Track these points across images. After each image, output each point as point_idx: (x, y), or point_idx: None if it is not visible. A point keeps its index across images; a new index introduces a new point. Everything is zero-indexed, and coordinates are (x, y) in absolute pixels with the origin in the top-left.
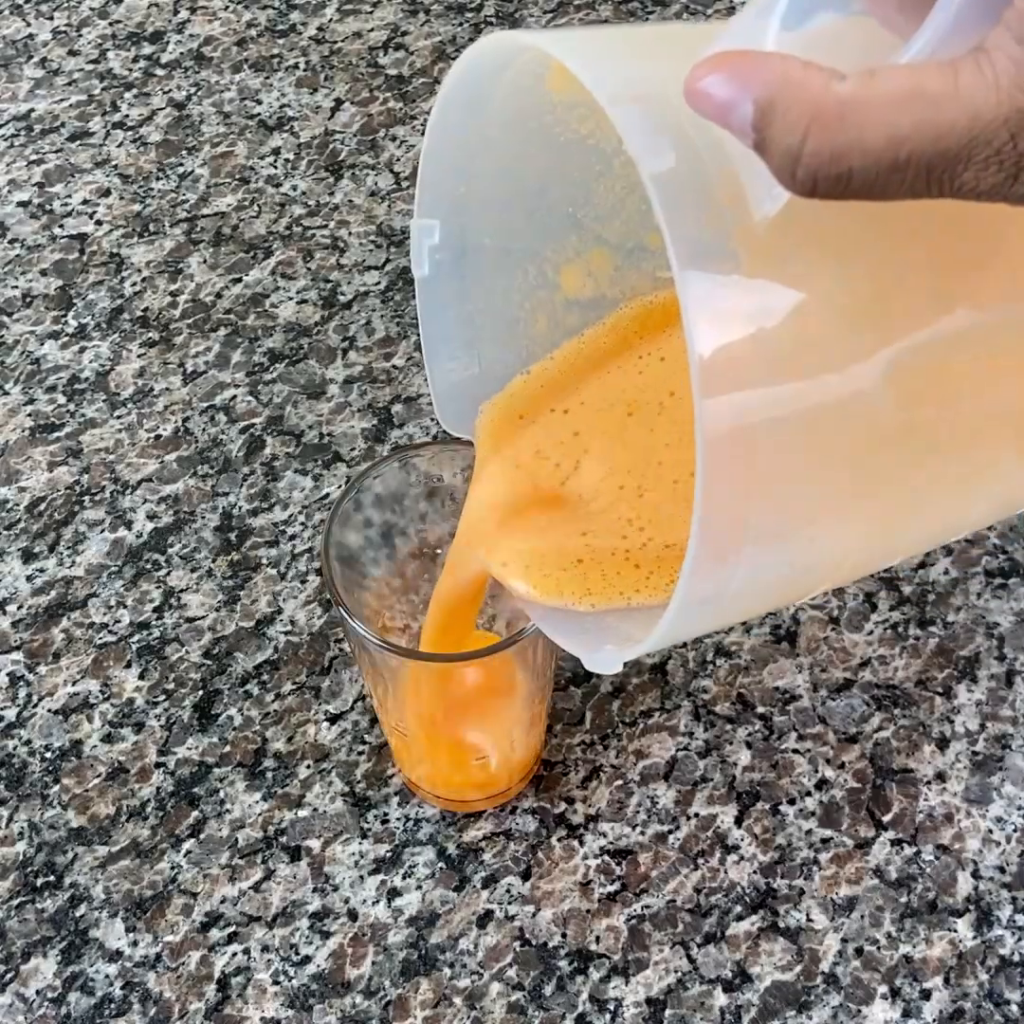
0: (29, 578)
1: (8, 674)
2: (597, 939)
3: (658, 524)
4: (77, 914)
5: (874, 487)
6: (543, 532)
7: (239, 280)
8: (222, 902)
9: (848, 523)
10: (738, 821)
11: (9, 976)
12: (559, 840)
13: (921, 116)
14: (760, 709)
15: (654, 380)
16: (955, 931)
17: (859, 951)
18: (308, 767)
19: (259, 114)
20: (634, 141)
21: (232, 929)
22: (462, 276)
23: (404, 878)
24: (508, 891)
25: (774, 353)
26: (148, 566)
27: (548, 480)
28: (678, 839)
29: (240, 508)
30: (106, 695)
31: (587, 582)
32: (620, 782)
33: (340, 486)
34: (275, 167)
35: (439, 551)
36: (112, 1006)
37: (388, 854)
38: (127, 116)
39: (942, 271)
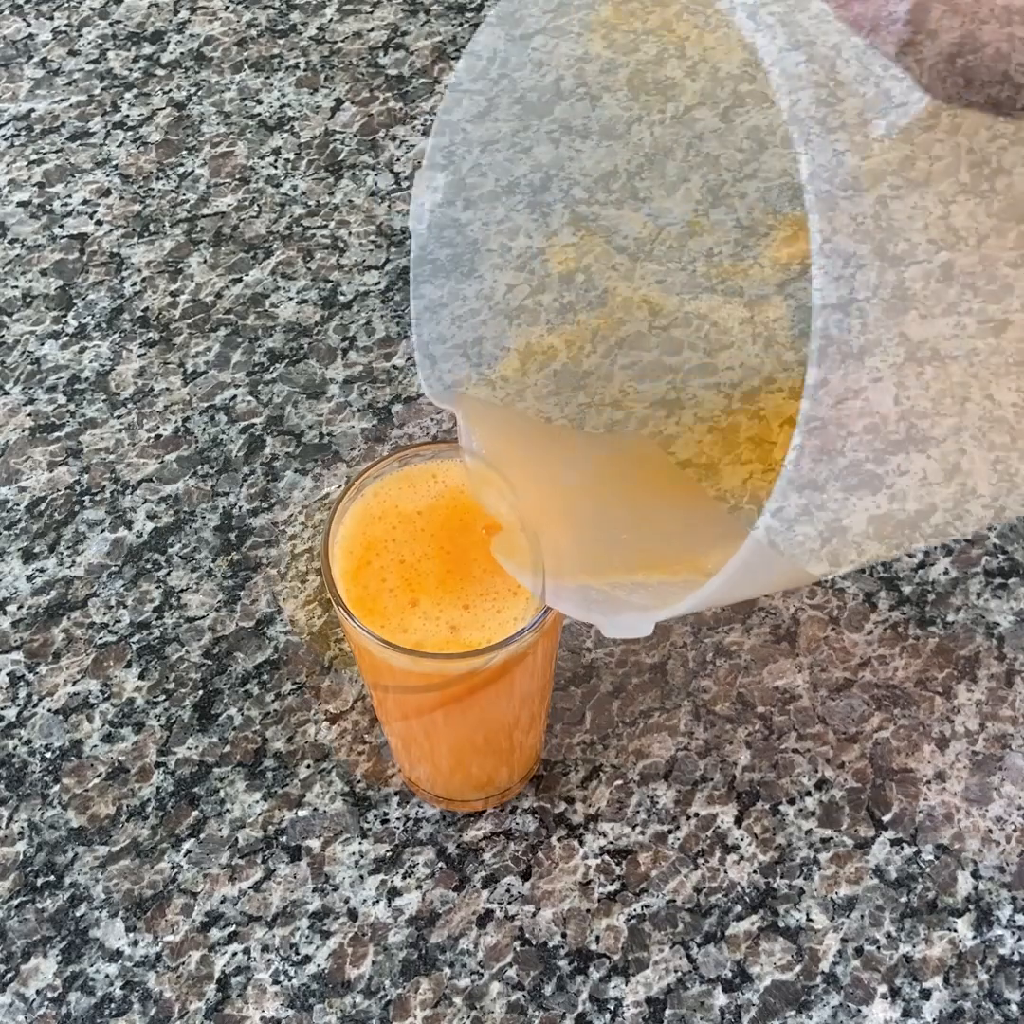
0: (29, 578)
1: (8, 674)
2: (597, 939)
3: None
4: (77, 914)
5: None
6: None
7: (239, 280)
8: (222, 902)
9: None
10: (738, 821)
11: (9, 976)
12: (559, 840)
13: None
14: (760, 709)
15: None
16: (955, 931)
17: (859, 951)
18: (308, 767)
19: (259, 114)
20: (774, 73)
21: (232, 929)
22: (456, 235)
23: (404, 878)
24: (508, 891)
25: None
26: (148, 566)
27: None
28: (678, 839)
29: (240, 508)
30: (106, 695)
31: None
32: (620, 782)
33: (340, 486)
34: (275, 167)
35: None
36: (112, 1006)
37: (388, 854)
38: (127, 116)
39: None
